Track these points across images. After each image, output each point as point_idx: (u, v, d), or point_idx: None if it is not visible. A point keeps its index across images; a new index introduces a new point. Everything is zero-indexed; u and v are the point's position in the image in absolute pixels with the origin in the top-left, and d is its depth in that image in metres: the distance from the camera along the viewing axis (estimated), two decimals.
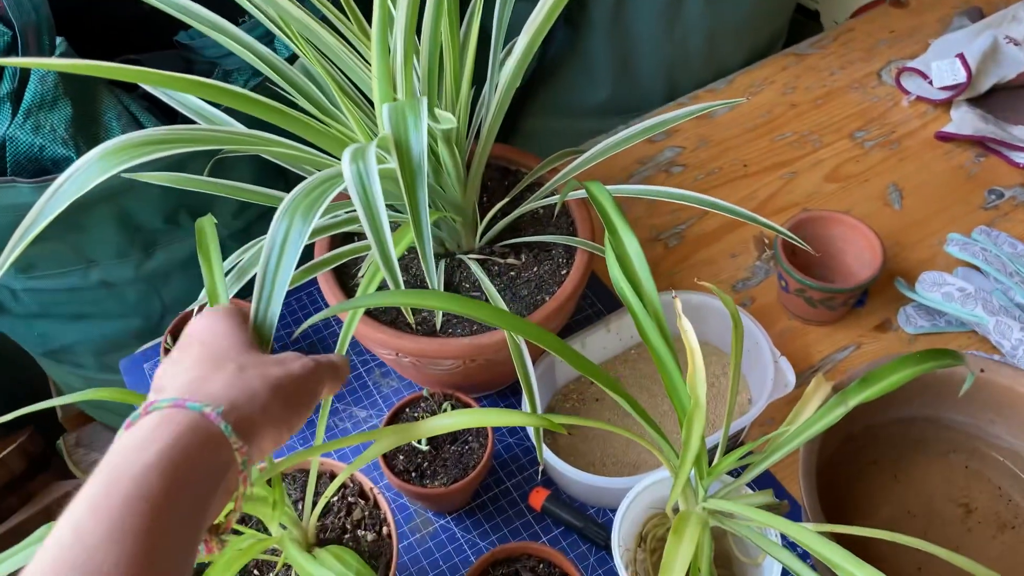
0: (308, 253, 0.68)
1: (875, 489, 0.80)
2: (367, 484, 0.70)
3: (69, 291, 0.89)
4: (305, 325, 0.58)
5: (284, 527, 0.62)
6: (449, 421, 0.57)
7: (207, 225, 0.67)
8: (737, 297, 0.95)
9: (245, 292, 0.63)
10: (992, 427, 0.79)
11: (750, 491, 0.65)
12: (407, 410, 0.80)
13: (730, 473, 0.67)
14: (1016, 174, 1.04)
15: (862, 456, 0.81)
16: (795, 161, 1.08)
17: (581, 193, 0.73)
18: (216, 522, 0.47)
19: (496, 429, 0.87)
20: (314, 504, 0.64)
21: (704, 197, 0.74)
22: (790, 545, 0.78)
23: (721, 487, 0.65)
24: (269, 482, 0.59)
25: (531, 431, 0.78)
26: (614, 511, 0.81)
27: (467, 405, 0.80)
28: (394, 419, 0.80)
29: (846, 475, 0.80)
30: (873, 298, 0.94)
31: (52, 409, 1.49)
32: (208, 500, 0.43)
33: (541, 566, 0.71)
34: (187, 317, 0.86)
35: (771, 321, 0.93)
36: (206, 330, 0.51)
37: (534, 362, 0.75)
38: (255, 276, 0.55)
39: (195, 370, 0.48)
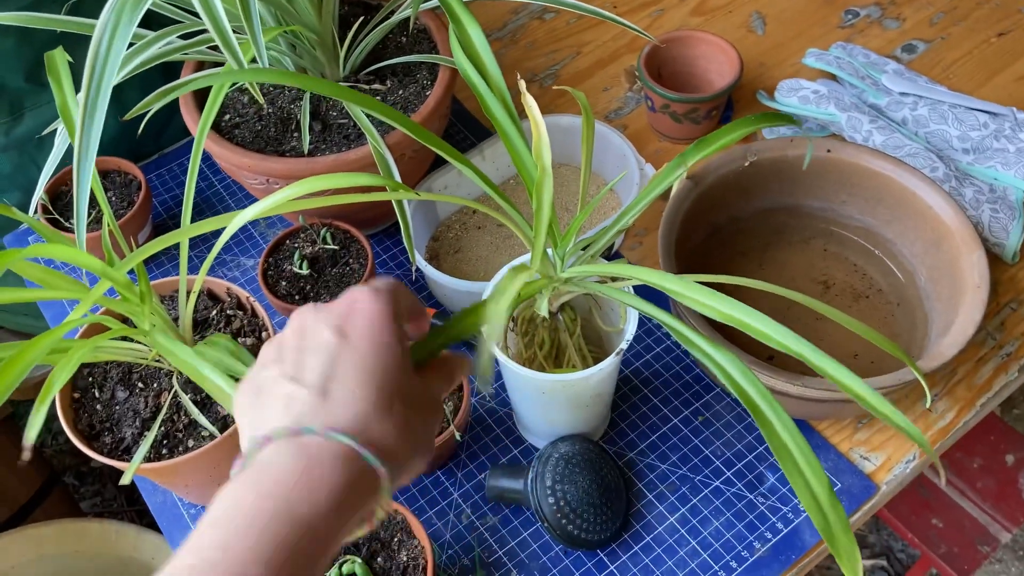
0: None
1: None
2: (243, 294, 0.71)
3: None
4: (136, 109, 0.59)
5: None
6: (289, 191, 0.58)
7: (57, 55, 0.67)
8: (610, 125, 0.98)
9: None
10: (844, 208, 0.83)
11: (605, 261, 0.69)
12: (287, 241, 0.82)
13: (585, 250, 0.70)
14: None
15: (729, 247, 0.85)
16: (662, 0, 1.11)
17: (435, 4, 0.75)
18: None
19: (376, 257, 0.89)
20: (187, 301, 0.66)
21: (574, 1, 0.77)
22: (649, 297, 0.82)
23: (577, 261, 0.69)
24: (133, 275, 0.60)
25: (419, 259, 0.81)
26: None
27: (347, 232, 0.82)
28: (273, 250, 0.81)
29: (714, 266, 0.84)
30: (739, 113, 0.98)
31: None
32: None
33: None
34: (66, 175, 0.86)
35: (642, 144, 0.96)
36: (371, 334, 0.43)
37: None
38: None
39: (364, 402, 0.41)
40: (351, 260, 0.81)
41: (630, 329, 0.66)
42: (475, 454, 0.77)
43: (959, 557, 1.29)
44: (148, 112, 0.75)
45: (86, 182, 0.56)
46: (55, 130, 0.78)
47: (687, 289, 0.57)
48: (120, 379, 0.68)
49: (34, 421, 0.50)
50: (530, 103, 0.64)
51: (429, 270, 0.79)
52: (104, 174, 0.88)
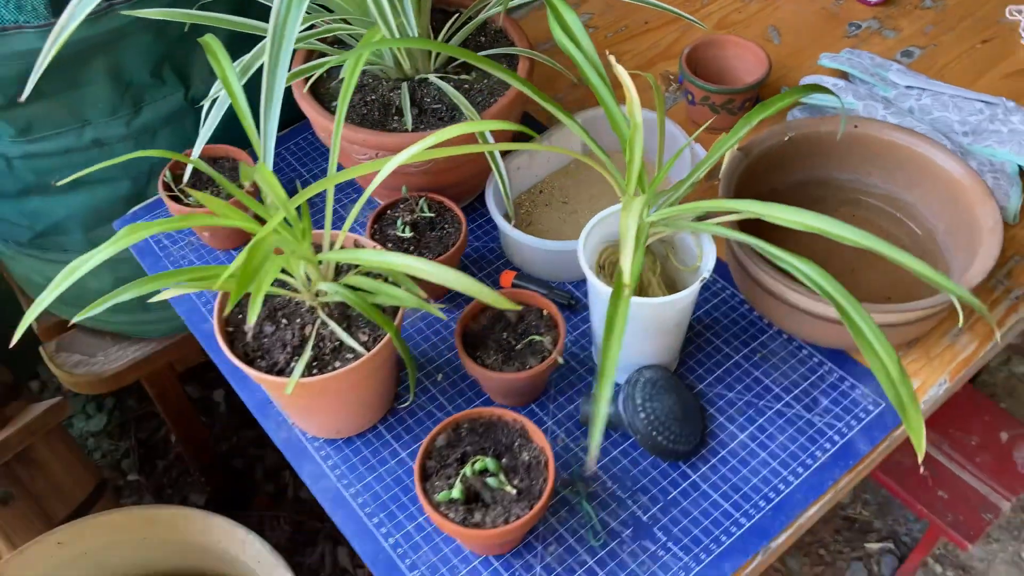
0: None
1: (784, 241, 0.97)
2: (370, 244, 0.82)
3: (64, 153, 0.98)
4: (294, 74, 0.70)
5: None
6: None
7: (211, 40, 0.78)
8: None
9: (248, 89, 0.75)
10: (869, 177, 0.97)
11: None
12: (388, 212, 0.93)
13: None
14: (868, 10, 1.24)
15: None
16: None
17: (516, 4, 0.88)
18: None
19: (468, 222, 1.00)
20: (331, 244, 0.76)
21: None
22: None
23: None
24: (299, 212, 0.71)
25: (502, 223, 0.92)
26: (572, 283, 0.96)
27: (440, 203, 0.93)
28: (377, 219, 0.92)
29: (759, 232, 0.95)
30: None
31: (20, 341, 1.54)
32: None
33: (521, 307, 0.85)
34: (179, 164, 0.97)
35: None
36: None
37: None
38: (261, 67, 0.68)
39: None
40: (446, 225, 0.92)
41: (708, 261, 0.78)
42: (562, 390, 0.87)
43: (964, 524, 1.40)
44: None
45: (274, 120, 0.67)
46: (165, 119, 0.88)
47: (774, 210, 0.69)
48: (267, 316, 0.78)
49: (253, 308, 0.60)
50: (620, 71, 0.77)
51: (514, 232, 0.91)
52: (214, 160, 0.99)
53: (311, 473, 0.83)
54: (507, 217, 0.94)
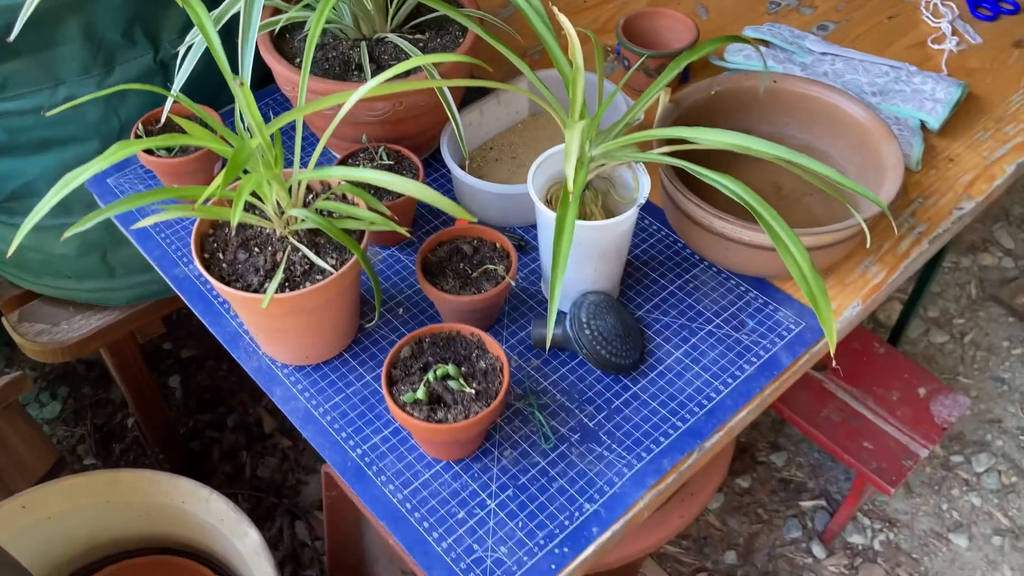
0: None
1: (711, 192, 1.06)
2: (335, 182, 0.89)
3: (36, 112, 1.03)
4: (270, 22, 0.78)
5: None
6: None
7: None
8: None
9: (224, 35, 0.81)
10: (787, 129, 1.07)
11: None
12: (349, 160, 1.00)
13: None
14: None
15: (702, 165, 1.07)
16: None
17: None
18: None
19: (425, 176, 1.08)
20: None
21: None
22: None
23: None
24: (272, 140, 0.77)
25: (456, 170, 0.99)
26: (521, 228, 1.04)
27: (398, 151, 1.01)
28: (342, 163, 0.99)
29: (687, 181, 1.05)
30: (695, 74, 1.21)
31: None
32: None
33: (476, 241, 0.93)
34: (153, 116, 1.02)
35: None
36: None
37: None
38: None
39: None
40: (404, 172, 0.99)
41: (644, 188, 0.86)
42: (514, 319, 0.95)
43: (887, 471, 1.51)
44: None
45: (249, 50, 0.74)
46: (135, 79, 0.94)
47: (700, 133, 0.78)
48: (240, 245, 0.84)
49: (236, 208, 0.67)
50: (563, 19, 0.85)
51: (468, 178, 0.98)
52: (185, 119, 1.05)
53: (282, 396, 0.89)
54: (461, 165, 1.02)
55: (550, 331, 0.71)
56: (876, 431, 1.56)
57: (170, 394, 1.90)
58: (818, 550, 1.70)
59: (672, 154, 0.88)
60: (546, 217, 0.85)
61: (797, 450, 1.86)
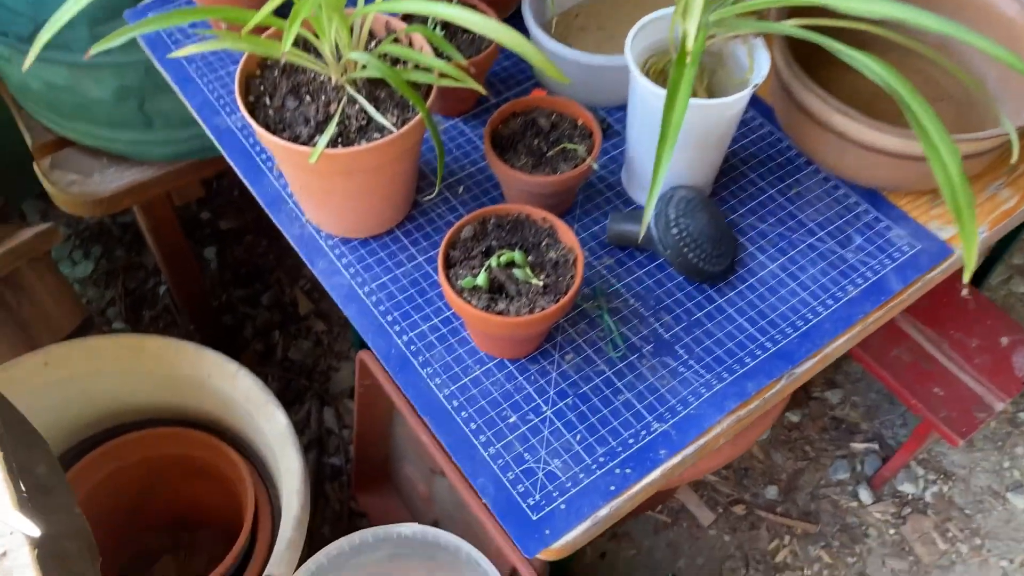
0: None
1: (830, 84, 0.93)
2: (401, 26, 0.77)
3: None
4: None
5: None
6: None
7: None
8: None
9: None
10: None
11: None
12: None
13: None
14: None
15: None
16: None
17: None
18: None
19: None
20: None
21: None
22: None
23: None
24: None
25: (541, 35, 0.87)
26: (604, 108, 0.91)
27: (474, 6, 0.88)
28: (407, 19, 0.87)
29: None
30: None
31: (14, 162, 1.49)
32: None
33: (554, 115, 0.81)
34: None
35: None
36: None
37: None
38: None
39: None
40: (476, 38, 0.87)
41: (762, 66, 0.74)
42: (588, 211, 0.84)
43: (957, 421, 1.40)
44: None
45: None
46: None
47: (851, 2, 0.65)
48: (290, 91, 0.73)
49: (288, 36, 0.56)
50: None
51: (552, 43, 0.86)
52: None
53: (325, 269, 0.80)
54: (545, 29, 0.89)
55: (646, 221, 0.60)
56: (949, 378, 1.44)
57: (205, 266, 1.83)
58: (865, 495, 1.61)
59: (792, 47, 0.75)
60: (644, 91, 0.73)
61: (854, 389, 1.75)
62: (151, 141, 1.22)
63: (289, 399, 1.66)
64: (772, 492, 1.61)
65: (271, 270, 1.81)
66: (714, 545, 1.54)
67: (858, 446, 1.68)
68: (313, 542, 1.33)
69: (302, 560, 1.05)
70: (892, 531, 1.57)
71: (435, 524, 1.28)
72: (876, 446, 1.67)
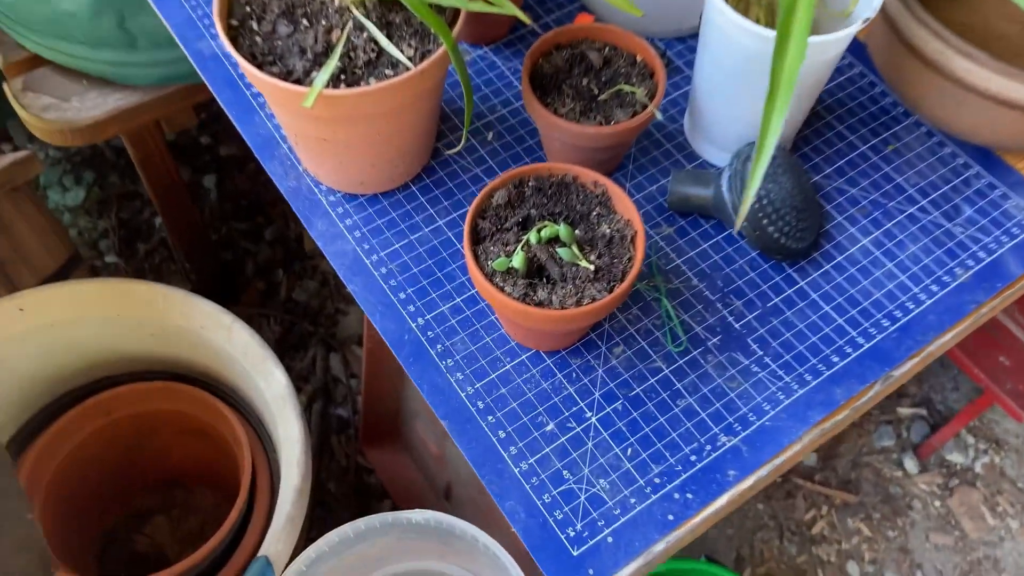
0: None
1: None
2: None
3: None
4: None
5: None
6: None
7: None
8: None
9: None
10: None
11: None
12: None
13: None
14: None
15: None
16: None
17: None
18: None
19: None
20: None
21: None
22: None
23: None
24: None
25: None
26: (662, 40, 0.76)
27: None
28: None
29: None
30: None
31: None
32: None
33: (607, 49, 0.66)
34: None
35: None
36: None
37: None
38: None
39: None
40: None
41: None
42: (643, 167, 0.70)
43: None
44: None
45: None
46: None
47: None
48: (283, 12, 0.59)
49: None
50: None
51: None
52: None
53: (324, 232, 0.66)
54: None
55: (743, 213, 0.45)
56: (1018, 347, 1.31)
57: (204, 194, 1.69)
58: (910, 464, 1.50)
59: None
60: (724, 19, 0.58)
61: None
62: (135, 63, 1.07)
63: (293, 344, 1.55)
64: (811, 458, 1.50)
65: (274, 203, 1.67)
66: (746, 514, 1.43)
67: (905, 411, 1.56)
68: (317, 499, 1.23)
69: (303, 534, 0.95)
70: (938, 503, 1.46)
71: (447, 488, 1.17)
72: (924, 411, 1.55)
